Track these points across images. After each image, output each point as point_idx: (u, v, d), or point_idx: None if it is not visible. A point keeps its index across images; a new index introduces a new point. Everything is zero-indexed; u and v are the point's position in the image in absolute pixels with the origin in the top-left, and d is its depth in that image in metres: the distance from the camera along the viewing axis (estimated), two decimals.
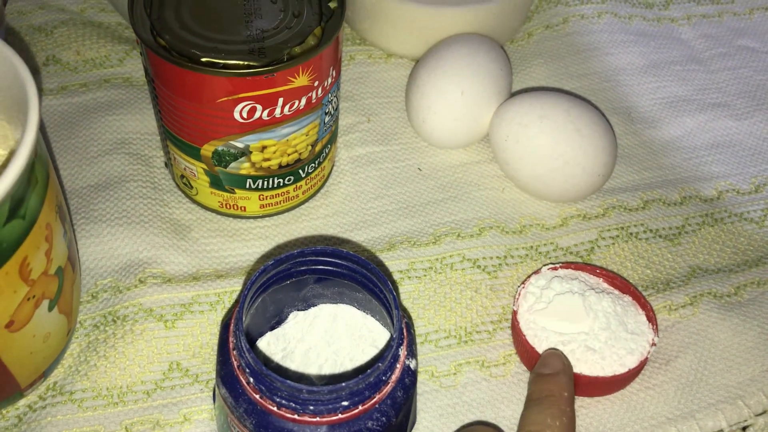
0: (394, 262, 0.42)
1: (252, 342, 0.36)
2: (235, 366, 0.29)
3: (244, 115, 0.36)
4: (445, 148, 0.47)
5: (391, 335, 0.30)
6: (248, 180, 0.40)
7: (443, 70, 0.45)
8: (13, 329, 0.30)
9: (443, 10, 0.49)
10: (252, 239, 0.43)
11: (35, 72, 0.49)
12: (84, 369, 0.37)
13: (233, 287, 0.40)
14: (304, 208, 0.44)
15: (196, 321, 0.39)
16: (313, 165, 0.42)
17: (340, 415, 0.28)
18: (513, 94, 0.47)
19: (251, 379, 0.29)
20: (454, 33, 0.49)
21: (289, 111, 0.37)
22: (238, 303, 0.30)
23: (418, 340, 0.40)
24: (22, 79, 0.29)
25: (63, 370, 0.37)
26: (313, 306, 0.36)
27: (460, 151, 0.48)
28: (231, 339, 0.30)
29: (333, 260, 0.32)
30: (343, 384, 0.28)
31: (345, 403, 0.28)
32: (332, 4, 0.38)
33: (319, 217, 0.44)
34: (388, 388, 0.30)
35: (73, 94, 0.48)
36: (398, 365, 0.30)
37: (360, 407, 0.29)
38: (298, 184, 0.42)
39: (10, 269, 0.28)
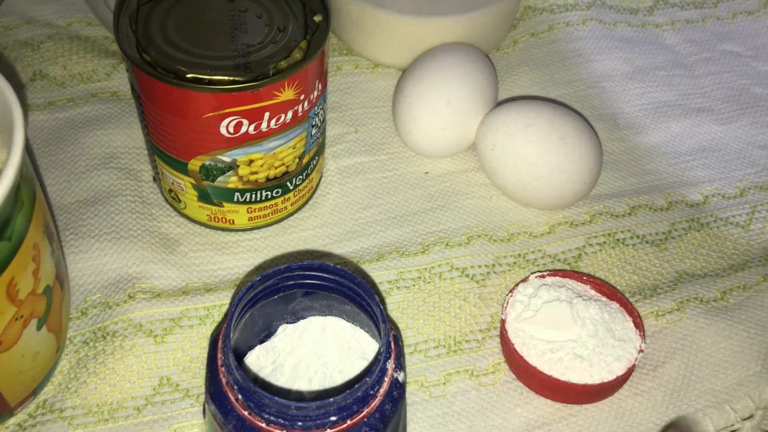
0: (382, 273, 0.42)
1: (241, 356, 0.36)
2: (224, 383, 0.30)
3: (231, 129, 0.37)
4: (432, 158, 0.48)
5: (379, 348, 0.30)
6: (236, 193, 0.40)
7: (429, 80, 0.45)
8: (2, 349, 0.30)
9: (429, 20, 0.49)
10: (241, 252, 0.43)
11: (21, 88, 0.49)
12: (74, 386, 0.37)
13: (222, 301, 0.40)
14: (292, 219, 0.44)
15: (186, 335, 0.39)
16: (300, 177, 0.42)
17: (328, 430, 0.28)
18: (499, 103, 0.47)
19: (240, 396, 0.29)
20: (440, 42, 0.49)
21: (275, 125, 0.38)
22: (226, 319, 0.30)
23: (408, 350, 0.40)
24: (7, 100, 0.29)
25: (53, 387, 0.37)
26: (302, 319, 0.36)
27: (447, 160, 0.48)
28: (219, 356, 0.30)
29: (320, 274, 0.32)
30: (331, 399, 0.28)
31: (333, 419, 0.28)
32: (317, 18, 0.39)
33: (307, 228, 0.44)
34: (376, 402, 0.30)
35: (60, 110, 0.48)
36: (386, 379, 0.30)
37: (348, 422, 0.29)
38: (287, 197, 0.42)
39: None
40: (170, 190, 0.42)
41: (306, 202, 0.45)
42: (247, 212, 0.42)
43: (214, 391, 0.30)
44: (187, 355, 0.39)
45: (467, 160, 0.48)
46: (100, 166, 0.46)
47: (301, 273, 0.32)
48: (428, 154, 0.47)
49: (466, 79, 0.45)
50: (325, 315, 0.36)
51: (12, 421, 0.36)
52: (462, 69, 0.45)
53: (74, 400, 0.36)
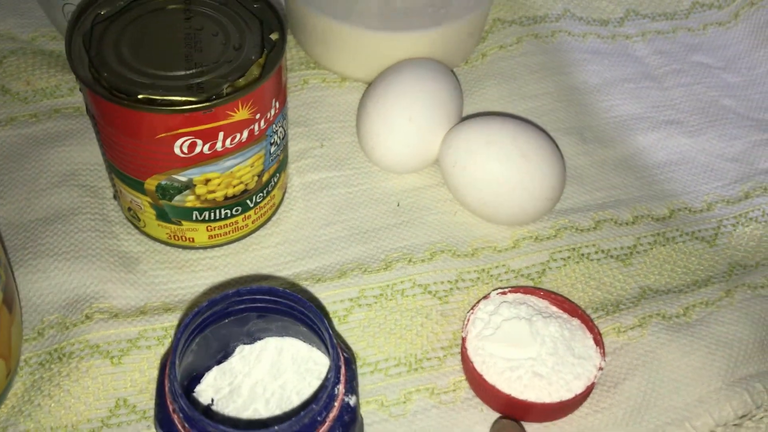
0: (344, 290, 0.42)
1: (199, 377, 0.35)
2: (170, 409, 0.29)
3: (185, 149, 0.36)
4: (396, 173, 0.47)
5: (327, 374, 0.30)
6: (194, 212, 0.40)
7: (391, 97, 0.45)
8: None
9: (395, 34, 0.49)
10: (201, 270, 0.43)
11: None
12: (28, 409, 0.36)
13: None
14: (254, 236, 0.44)
15: (144, 356, 0.39)
16: (261, 194, 0.42)
17: None
18: (465, 118, 0.47)
19: (185, 424, 0.28)
20: (408, 56, 0.49)
21: (230, 144, 0.37)
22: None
23: (368, 369, 0.40)
24: None
25: (6, 410, 0.37)
26: (259, 340, 0.36)
27: (412, 176, 0.48)
28: (166, 382, 0.30)
29: (270, 298, 0.32)
30: (276, 428, 0.28)
31: None
32: (274, 36, 0.38)
33: (269, 246, 0.44)
34: (324, 428, 0.29)
35: (22, 126, 0.48)
36: (335, 404, 0.30)
37: None
38: (247, 214, 0.42)
39: None
40: (129, 209, 0.42)
41: (268, 219, 0.45)
42: (207, 230, 0.42)
43: (162, 418, 0.30)
44: (144, 376, 0.38)
45: (432, 176, 0.48)
46: (61, 184, 0.45)
47: (250, 297, 0.31)
48: (392, 169, 0.47)
49: (428, 95, 0.45)
50: (282, 336, 0.36)
51: None
52: (424, 85, 0.45)
53: (28, 424, 0.36)
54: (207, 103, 0.35)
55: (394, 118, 0.44)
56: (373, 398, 0.39)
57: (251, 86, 0.36)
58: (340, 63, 0.51)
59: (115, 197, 0.45)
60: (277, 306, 0.32)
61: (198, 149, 0.36)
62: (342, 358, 0.31)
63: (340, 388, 0.30)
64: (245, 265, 0.43)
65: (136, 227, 0.43)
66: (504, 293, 0.41)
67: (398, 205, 0.46)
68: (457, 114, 0.47)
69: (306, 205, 0.46)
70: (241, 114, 0.36)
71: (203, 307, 0.30)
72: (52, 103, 0.49)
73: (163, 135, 0.35)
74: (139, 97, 0.35)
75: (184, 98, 0.35)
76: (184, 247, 0.43)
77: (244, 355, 0.36)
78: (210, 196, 0.39)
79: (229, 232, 0.42)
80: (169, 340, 0.39)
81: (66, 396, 0.37)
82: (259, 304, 0.32)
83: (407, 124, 0.44)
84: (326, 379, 0.29)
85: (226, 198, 0.40)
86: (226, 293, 0.31)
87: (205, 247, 0.43)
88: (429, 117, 0.45)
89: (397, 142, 0.45)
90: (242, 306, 0.32)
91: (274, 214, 0.45)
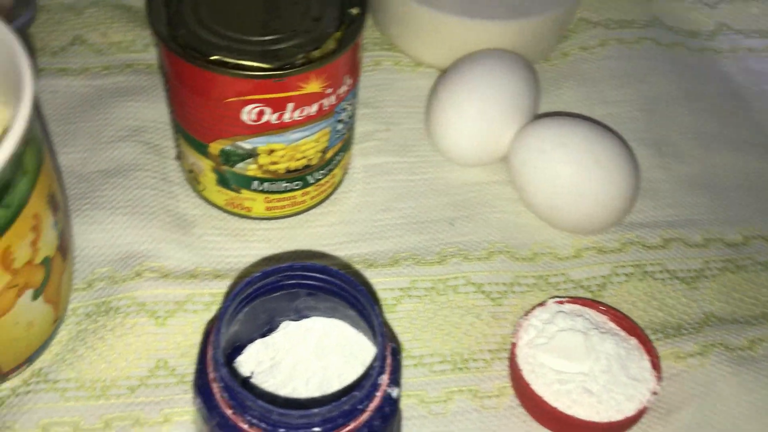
0: (395, 279, 0.41)
1: (241, 347, 0.35)
2: (210, 378, 0.29)
3: (252, 116, 0.36)
4: (462, 165, 0.46)
5: (372, 362, 0.29)
6: (255, 181, 0.40)
7: (465, 86, 0.43)
8: None
9: (476, 22, 0.47)
10: (255, 241, 0.42)
11: (56, 53, 0.49)
12: (70, 358, 0.36)
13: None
14: (311, 213, 0.43)
15: (189, 320, 0.38)
16: (322, 172, 0.41)
17: None
18: (539, 116, 0.45)
19: (224, 394, 0.28)
20: (485, 47, 0.48)
21: (299, 116, 0.36)
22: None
23: (412, 362, 0.39)
24: (18, 63, 0.28)
25: (50, 357, 0.37)
26: (306, 318, 0.35)
27: (478, 169, 0.46)
28: (209, 349, 0.29)
29: (322, 276, 0.31)
30: (315, 410, 0.27)
31: (317, 429, 0.27)
32: (354, 11, 0.37)
33: (324, 224, 0.43)
34: (364, 417, 0.28)
35: (94, 77, 0.48)
36: (378, 393, 0.29)
37: None
38: (306, 190, 0.41)
39: None
40: (191, 171, 0.42)
41: (327, 198, 0.44)
42: (265, 201, 0.41)
43: (202, 385, 0.29)
44: (187, 340, 0.38)
45: (498, 172, 0.46)
46: (125, 138, 0.45)
47: (303, 273, 0.31)
48: (458, 161, 0.45)
49: (503, 89, 0.43)
50: (329, 317, 0.35)
51: (6, 385, 0.36)
52: (501, 77, 0.43)
53: (69, 373, 0.36)
54: (279, 72, 0.34)
55: (467, 109, 0.43)
56: (413, 392, 0.38)
57: (326, 59, 0.35)
58: (416, 46, 0.50)
59: (177, 158, 0.44)
60: (328, 285, 0.32)
61: (265, 118, 0.36)
62: (389, 347, 0.30)
63: (384, 378, 0.29)
64: (299, 240, 0.42)
65: (196, 190, 0.43)
66: (561, 302, 0.39)
67: (452, 224, 0.44)
68: (532, 111, 0.45)
69: (366, 188, 0.45)
70: (313, 86, 0.35)
71: (255, 277, 0.30)
72: (126, 58, 0.49)
73: (232, 99, 0.35)
74: (212, 58, 0.34)
75: (256, 64, 0.34)
76: (241, 216, 0.42)
77: (288, 331, 0.35)
78: (272, 167, 0.39)
79: (287, 205, 0.42)
80: (216, 306, 0.39)
81: (108, 350, 0.37)
82: (310, 282, 0.31)
83: (479, 116, 0.43)
84: (371, 367, 0.28)
85: (287, 171, 0.39)
86: (280, 266, 0.30)
87: (261, 218, 0.42)
88: (502, 111, 0.43)
89: (466, 133, 0.44)
90: (293, 281, 0.31)
91: (332, 193, 0.44)
